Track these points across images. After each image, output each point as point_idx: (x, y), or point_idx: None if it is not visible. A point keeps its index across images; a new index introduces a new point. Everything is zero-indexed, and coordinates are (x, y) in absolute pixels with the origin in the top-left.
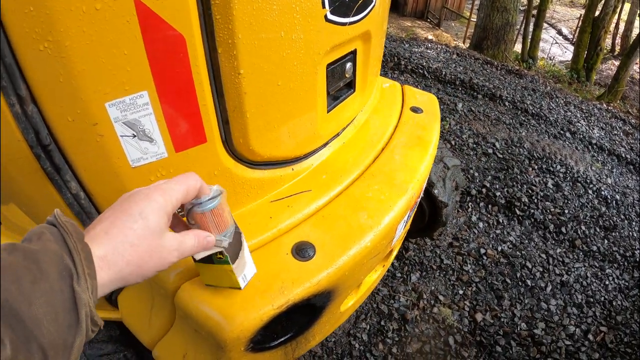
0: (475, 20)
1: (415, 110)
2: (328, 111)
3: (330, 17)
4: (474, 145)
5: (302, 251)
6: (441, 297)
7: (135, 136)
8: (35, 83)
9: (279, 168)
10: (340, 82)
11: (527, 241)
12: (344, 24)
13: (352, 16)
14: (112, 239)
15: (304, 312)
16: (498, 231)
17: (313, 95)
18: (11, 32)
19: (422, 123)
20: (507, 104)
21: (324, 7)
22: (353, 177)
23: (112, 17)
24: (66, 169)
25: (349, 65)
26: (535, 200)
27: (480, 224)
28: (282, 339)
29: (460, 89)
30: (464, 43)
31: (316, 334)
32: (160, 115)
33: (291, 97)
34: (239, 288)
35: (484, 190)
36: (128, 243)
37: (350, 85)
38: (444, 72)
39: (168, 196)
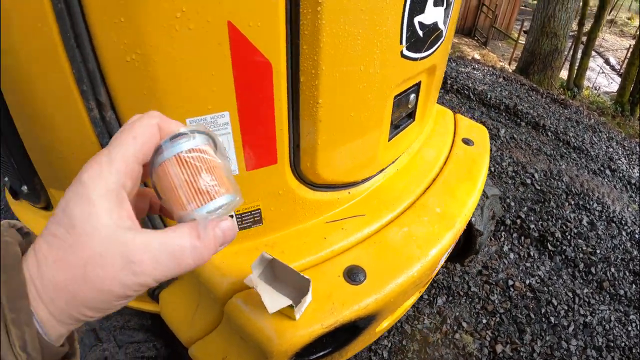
0: (522, 42)
1: (466, 142)
2: (389, 139)
3: (405, 52)
4: (513, 174)
5: (354, 275)
6: (464, 324)
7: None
8: (117, 91)
9: (337, 191)
10: (403, 112)
11: (555, 277)
12: (415, 59)
13: (424, 52)
14: (36, 252)
15: (346, 331)
16: (528, 264)
17: (380, 125)
18: (98, 39)
19: (472, 156)
20: (549, 134)
21: (401, 43)
22: (405, 206)
23: (205, 39)
24: None
25: (412, 96)
26: (568, 237)
27: (511, 255)
28: (321, 354)
29: (504, 114)
30: (509, 65)
31: (350, 350)
32: (237, 135)
33: (360, 127)
34: (294, 319)
35: (518, 221)
36: (51, 258)
37: (411, 115)
38: (489, 96)
39: (100, 169)
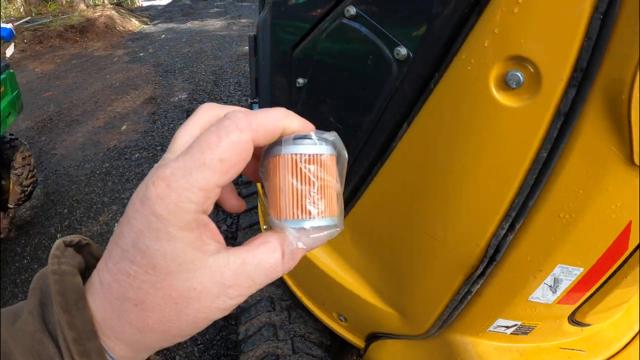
0: None
1: None
2: None
3: None
4: None
5: None
6: None
7: (550, 287)
8: (530, 227)
9: (578, 327)
10: None
11: None
12: None
13: None
14: (106, 292)
15: None
16: None
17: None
18: (552, 190)
19: None
20: None
21: None
22: (611, 353)
23: (609, 225)
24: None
25: None
26: None
27: None
28: None
29: None
30: None
31: None
32: (574, 283)
33: (629, 292)
34: None
35: None
36: (129, 301)
37: None
38: None
39: (178, 198)
